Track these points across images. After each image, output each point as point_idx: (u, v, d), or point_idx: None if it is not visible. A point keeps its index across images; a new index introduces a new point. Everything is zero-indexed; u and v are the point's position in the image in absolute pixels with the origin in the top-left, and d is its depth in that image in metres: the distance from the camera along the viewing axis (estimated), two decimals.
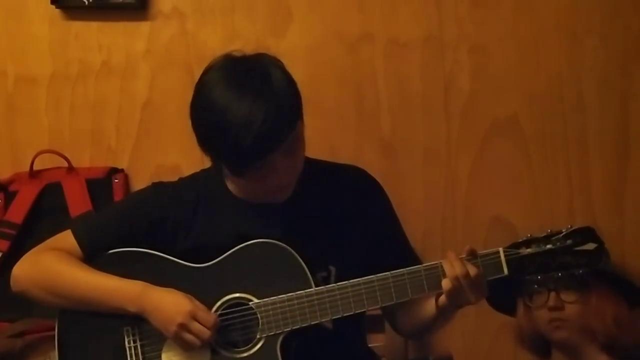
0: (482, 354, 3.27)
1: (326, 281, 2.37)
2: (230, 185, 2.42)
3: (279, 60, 2.33)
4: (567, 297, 2.90)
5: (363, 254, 2.42)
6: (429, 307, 2.36)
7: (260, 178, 2.29)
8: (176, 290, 2.34)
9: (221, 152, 2.29)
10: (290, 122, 2.26)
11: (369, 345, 2.66)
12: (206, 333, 2.31)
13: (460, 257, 2.29)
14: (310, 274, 2.34)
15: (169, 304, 2.33)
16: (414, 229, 2.93)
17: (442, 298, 2.31)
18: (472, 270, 2.27)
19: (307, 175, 2.42)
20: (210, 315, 2.32)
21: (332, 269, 2.40)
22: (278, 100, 2.23)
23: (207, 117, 2.26)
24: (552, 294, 2.89)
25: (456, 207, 3.27)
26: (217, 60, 2.32)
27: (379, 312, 2.58)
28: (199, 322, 2.31)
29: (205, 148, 2.32)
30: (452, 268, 2.27)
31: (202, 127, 2.29)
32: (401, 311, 2.49)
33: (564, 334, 2.93)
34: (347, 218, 2.45)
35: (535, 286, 2.91)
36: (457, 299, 2.30)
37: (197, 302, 2.33)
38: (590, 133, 3.22)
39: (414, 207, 3.23)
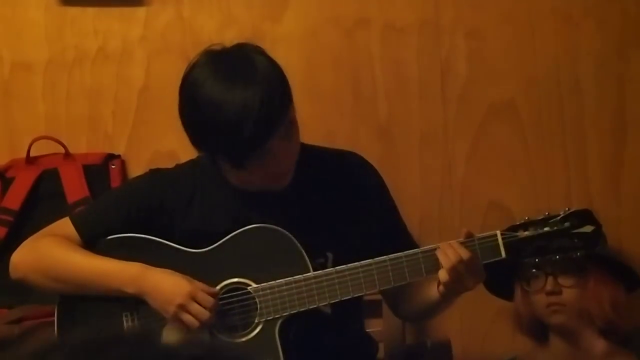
0: (480, 338, 3.27)
1: (324, 267, 2.38)
2: (228, 174, 2.42)
3: (259, 47, 2.34)
4: (565, 281, 2.90)
5: (360, 240, 2.43)
6: (432, 291, 2.37)
7: (261, 167, 2.29)
8: (175, 272, 2.35)
9: (220, 147, 2.28)
10: (284, 105, 2.27)
11: (367, 330, 2.66)
12: (205, 314, 2.31)
13: (455, 241, 2.29)
14: (308, 260, 2.35)
15: (168, 285, 2.33)
16: (410, 214, 2.93)
17: (441, 287, 2.31)
18: (466, 255, 2.27)
19: (304, 161, 2.42)
20: (209, 297, 2.32)
21: (330, 255, 2.40)
22: (268, 85, 2.24)
23: (200, 116, 2.26)
24: (550, 279, 2.89)
25: (453, 192, 3.26)
26: (197, 58, 2.32)
27: (377, 297, 2.58)
28: (198, 303, 2.31)
29: (201, 146, 2.32)
30: (447, 258, 2.28)
31: (197, 126, 2.28)
32: (403, 295, 2.50)
33: (561, 319, 2.93)
34: (344, 204, 2.45)
35: (533, 270, 2.91)
36: (455, 287, 2.30)
37: (197, 283, 2.33)
38: (587, 117, 3.22)
39: (411, 192, 3.22)
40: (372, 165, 2.55)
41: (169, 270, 2.35)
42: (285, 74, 2.33)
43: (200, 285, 2.34)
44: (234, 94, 2.21)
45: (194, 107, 2.27)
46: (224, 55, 2.31)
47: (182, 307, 2.31)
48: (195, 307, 2.31)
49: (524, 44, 3.22)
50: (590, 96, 3.21)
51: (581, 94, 3.21)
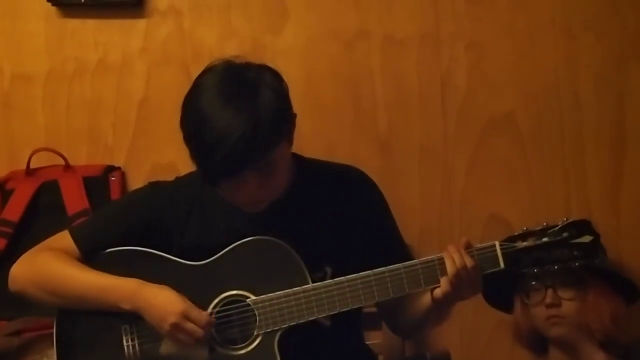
0: (479, 351, 3.27)
1: (322, 281, 2.37)
2: None
3: (277, 82, 2.30)
4: (565, 294, 2.90)
5: (359, 255, 2.42)
6: (425, 300, 2.36)
7: (231, 190, 2.29)
8: (169, 288, 2.34)
9: (196, 158, 2.28)
10: (267, 146, 2.23)
11: (367, 343, 2.66)
12: (199, 332, 2.31)
13: (462, 247, 2.29)
14: (307, 271, 2.35)
15: (162, 302, 2.33)
16: (410, 227, 2.93)
17: (438, 291, 2.31)
18: (470, 263, 2.27)
19: (303, 175, 2.42)
20: (202, 315, 2.32)
21: (328, 269, 2.40)
22: (259, 121, 2.20)
23: (190, 121, 2.27)
24: (550, 291, 2.89)
25: (453, 204, 3.27)
26: (217, 63, 2.31)
27: (375, 309, 2.58)
28: (191, 322, 2.31)
29: (187, 146, 2.32)
30: (453, 263, 2.28)
31: (185, 128, 2.29)
32: (397, 309, 2.49)
33: (561, 331, 2.93)
34: (343, 219, 2.44)
35: (533, 283, 2.91)
36: (452, 295, 2.30)
37: (189, 302, 2.33)
38: (587, 130, 3.23)
39: (411, 205, 3.23)
40: (371, 180, 2.54)
41: (165, 287, 2.35)
42: (290, 118, 2.31)
43: (192, 305, 2.33)
44: (222, 114, 2.20)
45: (189, 109, 2.28)
46: (237, 72, 2.28)
47: (176, 326, 2.30)
48: (189, 326, 2.30)
49: (523, 57, 3.23)
50: (589, 108, 3.21)
51: (580, 107, 3.21)
